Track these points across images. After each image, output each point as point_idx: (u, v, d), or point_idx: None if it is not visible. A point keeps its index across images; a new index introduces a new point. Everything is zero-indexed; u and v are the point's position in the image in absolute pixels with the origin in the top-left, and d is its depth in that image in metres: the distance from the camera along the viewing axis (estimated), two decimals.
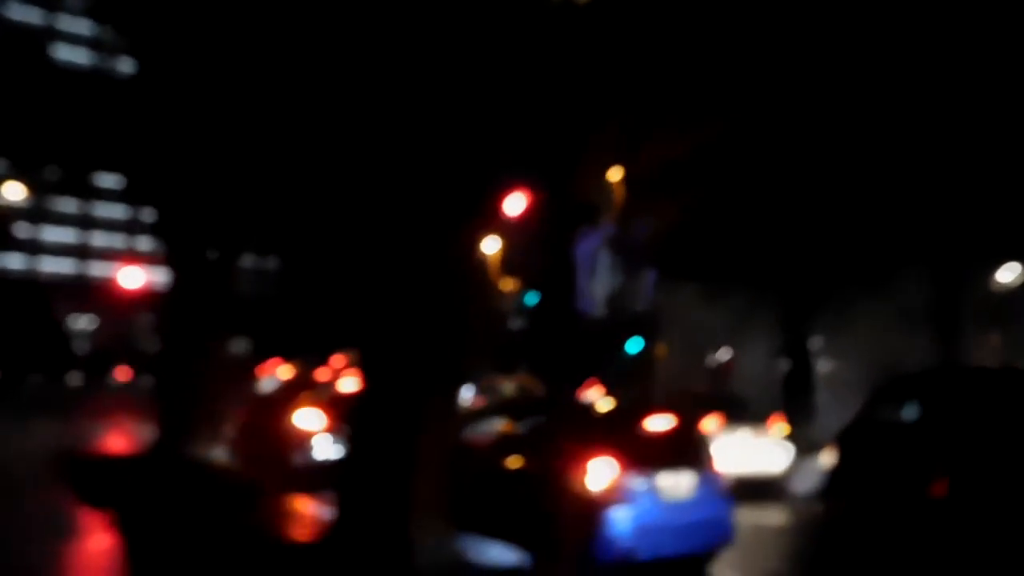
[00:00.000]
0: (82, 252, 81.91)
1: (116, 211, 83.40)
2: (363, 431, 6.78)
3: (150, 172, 13.99)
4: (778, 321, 20.49)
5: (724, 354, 31.96)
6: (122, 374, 39.73)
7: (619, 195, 23.88)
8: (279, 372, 41.96)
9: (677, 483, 7.91)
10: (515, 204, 22.52)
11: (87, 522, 9.89)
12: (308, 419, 13.98)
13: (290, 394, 14.81)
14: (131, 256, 64.84)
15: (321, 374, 38.38)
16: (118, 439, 19.91)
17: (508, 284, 43.68)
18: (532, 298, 45.21)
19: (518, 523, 7.82)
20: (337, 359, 43.37)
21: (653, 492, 7.71)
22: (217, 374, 12.88)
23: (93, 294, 68.03)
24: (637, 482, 7.60)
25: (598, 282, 63.47)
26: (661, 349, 31.68)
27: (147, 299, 65.00)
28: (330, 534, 7.60)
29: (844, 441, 10.90)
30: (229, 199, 13.19)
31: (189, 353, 12.59)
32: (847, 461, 10.62)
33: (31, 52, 15.04)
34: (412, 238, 6.72)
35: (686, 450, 8.26)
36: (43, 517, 9.95)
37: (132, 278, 43.30)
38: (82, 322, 67.85)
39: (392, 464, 6.60)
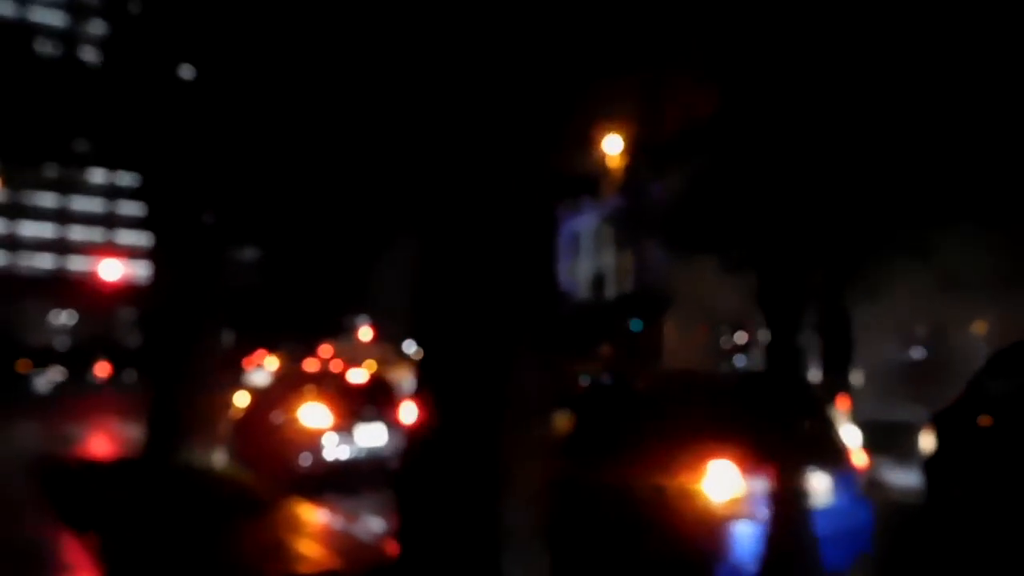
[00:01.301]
0: (60, 247, 78.91)
1: (95, 205, 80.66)
2: (436, 439, 4.81)
3: (139, 148, 12.02)
4: (809, 292, 18.64)
5: (740, 337, 30.11)
6: (102, 370, 37.50)
7: (622, 165, 22.04)
8: (267, 364, 39.92)
9: (814, 487, 6.12)
10: None
11: (68, 553, 7.89)
12: (315, 415, 12.05)
13: (292, 387, 12.85)
14: (111, 249, 62.17)
15: (309, 364, 36.36)
16: (102, 442, 17.78)
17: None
18: None
19: (618, 546, 6.00)
20: (325, 348, 41.27)
21: None
22: (212, 369, 10.92)
23: (73, 289, 65.44)
24: (764, 487, 5.80)
25: (581, 263, 61.86)
26: (669, 327, 29.81)
27: (127, 293, 62.72)
28: (393, 570, 5.72)
29: (946, 422, 9.17)
30: (227, 181, 11.29)
31: (181, 346, 10.60)
32: (951, 445, 8.90)
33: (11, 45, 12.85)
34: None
35: (819, 445, 6.45)
36: (14, 546, 7.93)
37: (112, 271, 41.24)
38: (62, 317, 65.31)
39: (476, 480, 4.67)
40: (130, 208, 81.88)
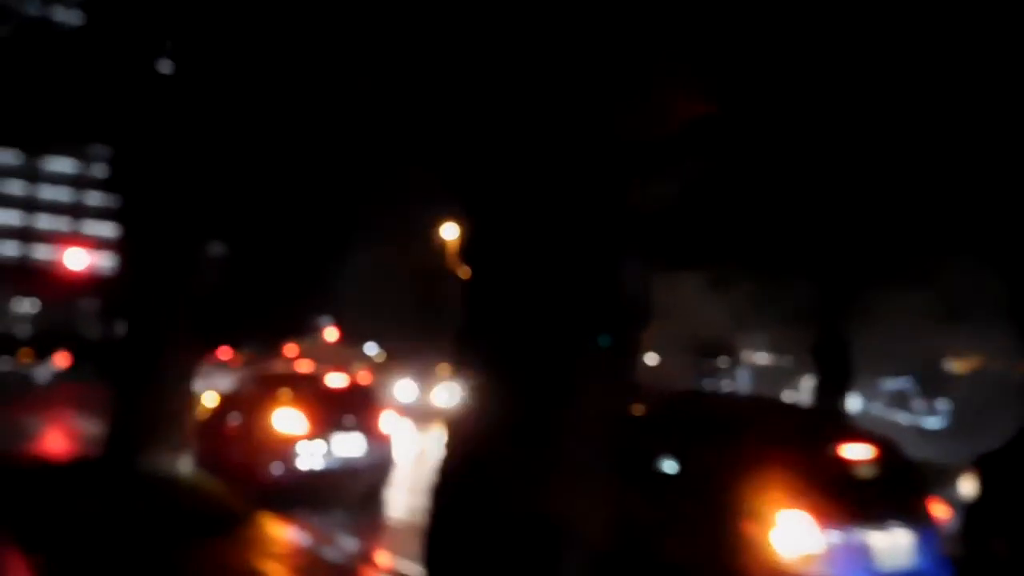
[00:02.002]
0: (26, 235, 76.65)
1: (62, 194, 78.54)
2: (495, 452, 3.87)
3: (112, 135, 11.13)
4: (801, 313, 17.93)
5: (723, 361, 29.35)
6: (62, 360, 35.92)
7: None
8: (229, 362, 38.59)
9: (893, 544, 5.34)
10: None
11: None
12: (289, 421, 11.17)
13: (265, 390, 11.95)
14: (76, 239, 60.31)
15: (278, 364, 35.13)
16: (59, 438, 16.66)
17: (466, 272, 40.71)
18: None
19: None
20: (290, 348, 39.97)
21: (863, 557, 5.07)
22: (182, 367, 9.99)
23: (36, 277, 63.44)
24: (843, 543, 4.97)
25: None
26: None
27: (91, 283, 60.89)
28: None
29: (992, 467, 8.33)
30: (199, 173, 10.45)
31: (149, 343, 9.67)
32: (996, 493, 8.05)
33: None
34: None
35: (898, 497, 5.62)
36: None
37: (77, 260, 39.75)
38: (25, 305, 63.25)
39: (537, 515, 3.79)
40: (97, 198, 79.95)
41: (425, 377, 30.95)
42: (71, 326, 56.57)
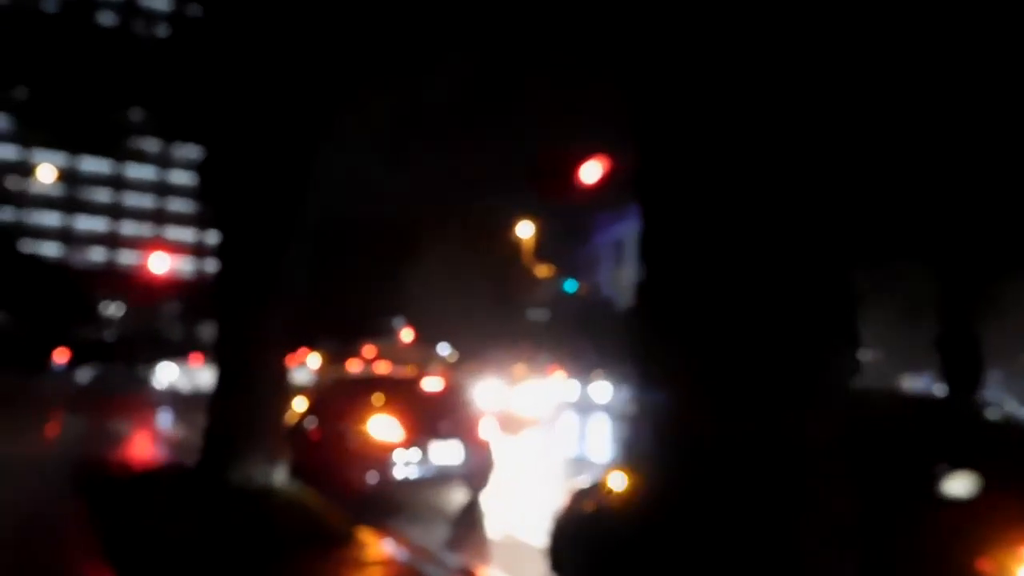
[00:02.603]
0: (112, 240, 78.50)
1: (145, 200, 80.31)
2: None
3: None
4: (915, 303, 16.61)
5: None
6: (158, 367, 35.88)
7: None
8: (309, 362, 38.39)
9: None
10: (591, 171, 18.84)
11: None
12: (385, 428, 10.46)
13: (357, 395, 11.27)
14: (159, 244, 61.34)
15: (352, 365, 34.76)
16: (147, 444, 16.32)
17: (543, 271, 40.30)
18: (571, 285, 41.64)
19: None
20: (368, 349, 39.71)
21: None
22: (279, 373, 9.35)
23: (122, 281, 64.76)
24: None
25: (625, 270, 59.92)
26: None
27: (173, 287, 61.88)
28: None
29: None
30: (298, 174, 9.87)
31: (243, 346, 9.03)
32: None
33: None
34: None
35: None
36: None
37: (161, 264, 40.18)
38: (111, 309, 64.61)
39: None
40: (178, 204, 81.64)
41: (504, 379, 30.19)
42: (157, 329, 57.58)
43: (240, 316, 9.13)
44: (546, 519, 7.26)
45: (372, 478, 10.37)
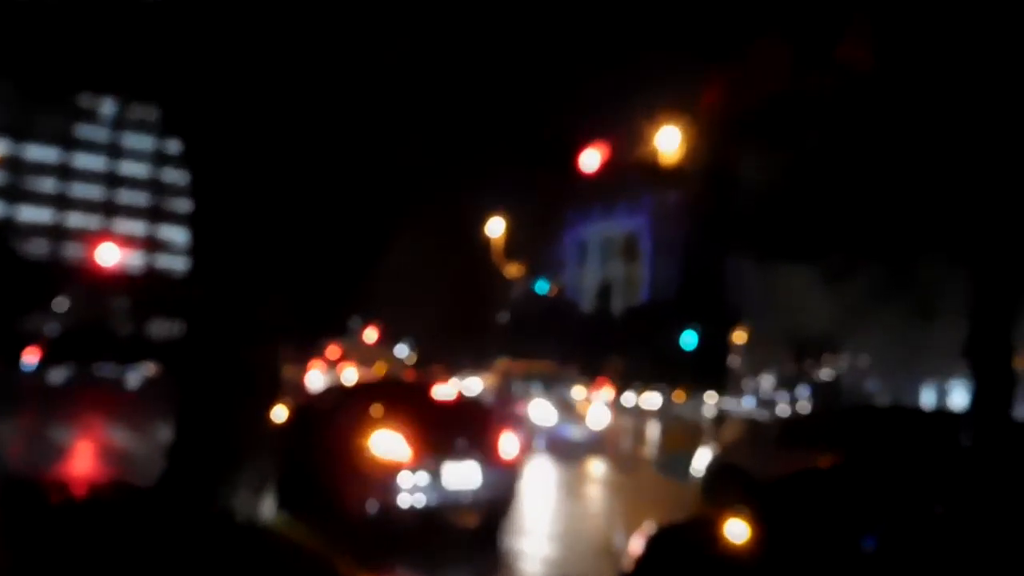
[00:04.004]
0: (57, 232, 74.38)
1: (94, 191, 76.38)
2: None
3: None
4: (938, 306, 14.97)
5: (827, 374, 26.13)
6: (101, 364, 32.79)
7: (689, 149, 18.50)
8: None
9: None
10: (591, 160, 17.03)
11: None
12: (388, 445, 8.40)
13: (353, 404, 9.15)
14: (108, 236, 57.95)
15: (316, 365, 32.23)
16: (90, 457, 13.87)
17: (513, 270, 38.37)
18: (542, 286, 39.79)
19: None
20: (333, 349, 37.23)
21: None
22: (272, 381, 7.20)
23: (67, 275, 61.12)
24: None
25: (587, 273, 58.34)
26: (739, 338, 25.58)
27: (123, 281, 58.52)
28: None
29: None
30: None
31: (234, 349, 6.85)
32: None
33: None
34: None
35: None
36: None
37: (110, 256, 37.37)
38: (55, 303, 60.90)
39: None
40: (129, 197, 77.86)
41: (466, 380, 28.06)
42: (106, 325, 54.24)
43: (227, 303, 6.99)
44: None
45: (372, 507, 8.30)
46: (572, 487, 13.24)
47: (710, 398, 17.07)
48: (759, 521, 5.36)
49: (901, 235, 15.02)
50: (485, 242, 37.86)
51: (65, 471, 11.58)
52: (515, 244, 38.17)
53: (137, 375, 29.78)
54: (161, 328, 67.40)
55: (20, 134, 71.00)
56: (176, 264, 78.48)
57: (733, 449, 10.12)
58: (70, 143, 75.36)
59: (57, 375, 29.80)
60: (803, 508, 5.57)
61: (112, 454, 13.78)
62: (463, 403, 9.28)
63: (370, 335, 47.65)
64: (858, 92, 14.68)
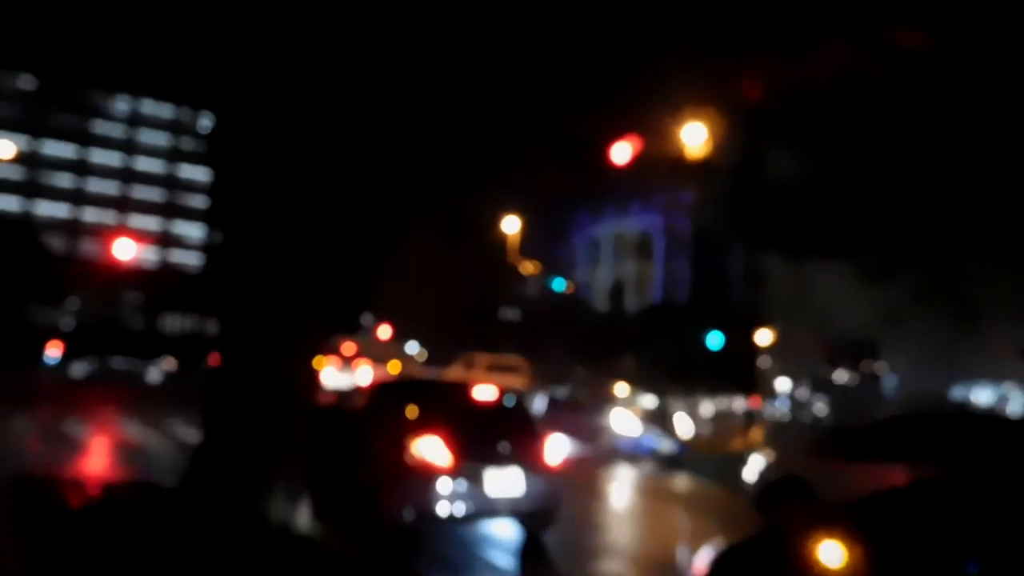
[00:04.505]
0: (73, 228, 74.04)
1: (109, 187, 76.05)
2: None
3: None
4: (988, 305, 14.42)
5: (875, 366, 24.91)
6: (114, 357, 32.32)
7: (718, 144, 17.81)
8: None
9: None
10: (622, 153, 16.43)
11: None
12: (426, 449, 7.85)
13: (388, 404, 8.60)
14: (122, 232, 57.53)
15: (331, 362, 31.54)
16: (106, 453, 13.35)
17: (528, 268, 37.73)
18: (559, 284, 39.09)
19: None
20: (347, 346, 36.62)
21: None
22: (311, 380, 6.68)
23: (82, 270, 60.76)
24: None
25: (600, 272, 57.66)
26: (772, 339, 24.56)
27: (136, 276, 58.11)
28: None
29: None
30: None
31: (275, 348, 6.31)
32: None
33: None
34: None
35: None
36: None
37: (126, 250, 36.89)
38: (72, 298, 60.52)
39: None
40: (144, 193, 77.52)
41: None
42: (118, 319, 53.90)
43: (268, 295, 6.45)
44: None
45: (408, 514, 7.77)
46: (643, 499, 12.47)
47: (737, 400, 16.27)
48: (855, 542, 4.77)
49: (946, 235, 14.41)
50: (500, 239, 37.28)
51: (82, 468, 11.06)
52: (531, 242, 37.64)
53: (157, 370, 29.33)
54: (174, 323, 67.17)
55: (37, 130, 70.73)
56: (189, 259, 78.27)
57: (792, 458, 9.50)
58: (86, 139, 75.06)
59: (78, 369, 29.40)
60: (904, 528, 4.97)
61: (128, 450, 13.27)
62: (503, 404, 8.72)
63: (384, 332, 47.07)
64: (910, 81, 14.06)
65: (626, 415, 16.07)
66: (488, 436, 8.14)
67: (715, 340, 22.33)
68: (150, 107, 76.98)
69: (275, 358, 6.36)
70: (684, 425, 15.99)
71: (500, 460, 8.00)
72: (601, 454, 15.23)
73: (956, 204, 14.70)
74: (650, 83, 15.57)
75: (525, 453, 8.19)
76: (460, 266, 48.43)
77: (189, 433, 15.27)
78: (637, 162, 16.88)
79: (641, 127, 16.20)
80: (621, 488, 13.32)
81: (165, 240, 76.64)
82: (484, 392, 8.62)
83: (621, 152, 16.40)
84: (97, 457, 12.63)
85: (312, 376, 6.74)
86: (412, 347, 49.04)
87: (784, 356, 24.57)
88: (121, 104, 76.05)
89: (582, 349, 42.87)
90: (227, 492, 6.30)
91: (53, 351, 31.93)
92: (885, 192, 15.06)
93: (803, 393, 23.29)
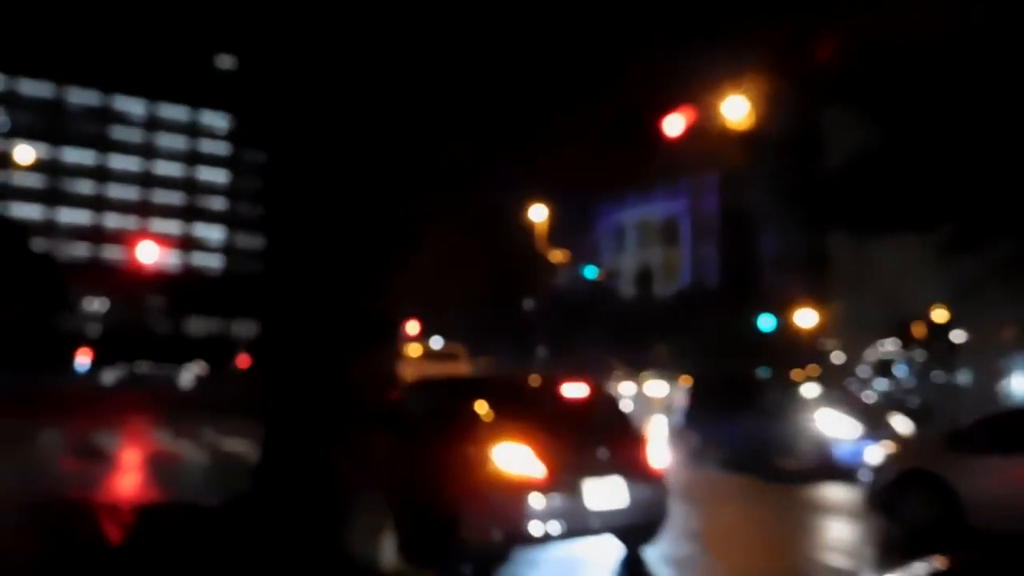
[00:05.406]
0: (96, 234, 73.38)
1: (130, 192, 75.32)
2: None
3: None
4: None
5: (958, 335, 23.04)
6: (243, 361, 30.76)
7: (771, 114, 16.50)
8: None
9: None
10: (674, 125, 15.24)
11: None
12: (515, 459, 6.66)
13: (459, 408, 7.41)
14: (144, 237, 56.66)
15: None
16: (141, 469, 12.21)
17: (557, 256, 36.45)
18: (591, 271, 37.81)
19: None
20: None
21: None
22: (387, 380, 5.54)
23: (106, 276, 60.03)
24: None
25: (626, 257, 56.30)
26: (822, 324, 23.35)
27: (159, 280, 57.34)
28: None
29: None
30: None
31: (361, 345, 5.19)
32: None
33: None
34: None
35: None
36: None
37: (149, 254, 35.97)
38: (95, 304, 59.91)
39: None
40: (163, 196, 76.74)
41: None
42: (142, 324, 53.13)
43: (346, 296, 5.32)
44: None
45: (496, 534, 6.58)
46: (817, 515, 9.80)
47: (809, 382, 14.65)
48: None
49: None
50: (528, 228, 36.04)
51: (117, 488, 9.94)
52: (556, 231, 36.36)
53: (188, 375, 28.30)
54: (199, 326, 66.45)
55: (56, 137, 70.09)
56: (211, 262, 77.50)
57: (920, 451, 8.23)
58: (105, 145, 74.33)
59: (109, 376, 28.46)
60: None
61: (164, 463, 12.16)
62: (598, 404, 7.51)
63: (412, 327, 45.98)
64: (987, 39, 12.74)
65: (835, 413, 12.07)
66: (583, 441, 6.93)
67: (767, 323, 21.06)
68: (167, 111, 76.21)
69: (346, 357, 5.22)
70: (900, 422, 12.54)
71: (599, 468, 6.79)
72: (802, 470, 11.68)
73: None
74: (711, 49, 14.39)
75: (626, 459, 6.99)
76: (487, 257, 47.22)
77: (225, 442, 14.21)
78: (693, 133, 15.65)
79: (697, 98, 15.00)
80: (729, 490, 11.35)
81: (186, 243, 75.87)
82: (573, 389, 7.40)
83: (674, 124, 15.20)
84: (131, 474, 11.52)
85: (389, 377, 5.59)
86: (436, 342, 47.98)
87: (850, 335, 23.21)
88: (138, 108, 75.25)
89: (615, 338, 41.63)
90: (298, 521, 5.15)
91: (83, 358, 31.08)
92: (961, 159, 13.70)
93: (865, 371, 21.96)
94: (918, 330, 20.82)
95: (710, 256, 47.81)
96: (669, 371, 27.36)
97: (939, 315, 19.98)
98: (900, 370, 19.06)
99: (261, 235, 7.20)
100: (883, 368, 20.35)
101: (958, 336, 19.67)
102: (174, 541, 6.78)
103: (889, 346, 21.97)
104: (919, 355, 20.34)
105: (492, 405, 7.17)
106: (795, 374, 17.60)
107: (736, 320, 25.93)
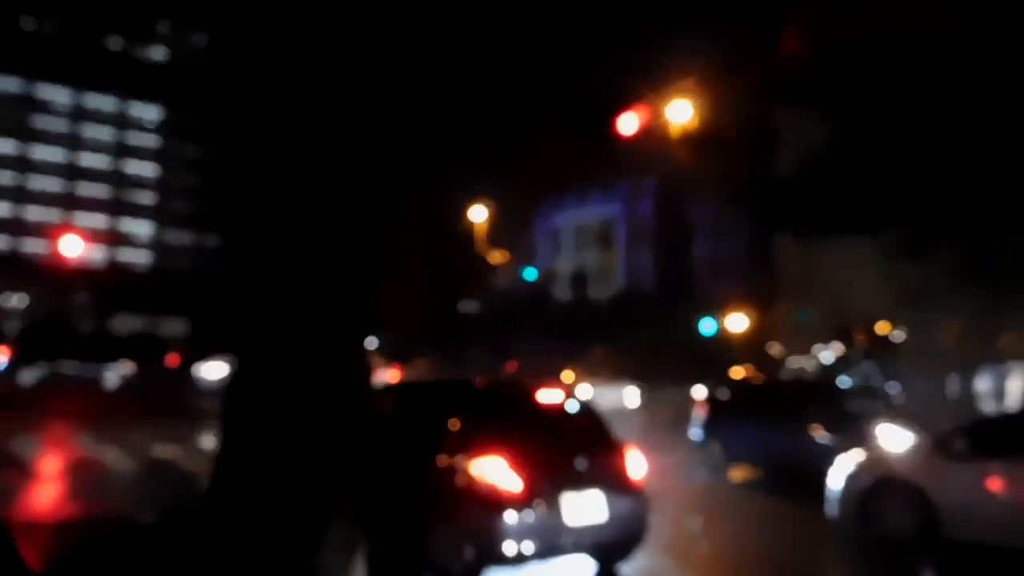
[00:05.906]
0: (16, 227, 69.77)
1: (54, 184, 71.90)
2: None
3: None
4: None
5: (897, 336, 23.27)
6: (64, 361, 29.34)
7: (725, 115, 16.34)
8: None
9: None
10: (629, 123, 14.87)
11: None
12: (491, 472, 6.08)
13: (431, 415, 6.77)
14: (68, 229, 54.11)
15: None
16: (65, 478, 11.11)
17: (496, 257, 35.94)
18: (530, 273, 37.33)
19: None
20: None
21: None
22: (363, 380, 4.87)
23: (27, 270, 57.12)
24: None
25: (561, 260, 56.10)
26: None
27: (84, 275, 54.75)
28: None
29: None
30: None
31: (333, 342, 4.52)
32: None
33: None
34: None
35: None
36: None
37: (73, 248, 34.17)
38: (13, 300, 56.95)
39: None
40: (90, 189, 73.52)
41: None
42: (65, 320, 50.65)
43: (323, 287, 4.65)
44: None
45: (468, 553, 5.99)
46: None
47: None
48: None
49: (985, 209, 13.09)
50: (467, 229, 35.41)
51: (37, 503, 8.95)
52: (498, 231, 35.86)
53: (114, 375, 26.73)
54: (125, 323, 63.78)
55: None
56: (139, 257, 74.59)
57: (896, 458, 7.87)
58: (28, 135, 70.79)
59: (28, 376, 26.61)
60: None
61: (90, 473, 11.14)
62: (575, 411, 6.96)
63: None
64: (948, 41, 12.68)
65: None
66: (563, 452, 6.38)
67: (708, 326, 20.86)
68: (94, 100, 73.01)
69: (321, 355, 4.57)
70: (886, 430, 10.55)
71: (578, 481, 6.25)
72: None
73: (994, 175, 13.31)
74: (670, 46, 14.04)
75: (605, 470, 6.46)
76: (425, 257, 46.42)
77: (155, 448, 13.22)
78: (646, 132, 15.25)
79: (650, 98, 14.63)
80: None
81: (113, 238, 72.83)
82: (549, 396, 6.85)
83: (628, 122, 14.80)
84: (53, 485, 10.49)
85: (365, 377, 4.94)
86: (371, 342, 46.94)
87: (795, 338, 23.26)
88: (62, 97, 71.90)
89: (553, 340, 41.25)
90: (261, 538, 4.44)
91: (0, 357, 29.13)
92: (912, 163, 13.65)
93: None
94: (860, 335, 20.98)
95: (645, 260, 47.96)
96: (611, 374, 27.12)
97: (882, 327, 20.09)
98: (843, 381, 19.08)
99: (200, 232, 6.42)
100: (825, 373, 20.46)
101: (898, 337, 19.87)
102: (105, 565, 5.98)
103: (831, 351, 22.15)
104: (857, 355, 20.43)
105: (465, 412, 6.59)
106: (734, 371, 17.41)
107: (672, 324, 25.78)
